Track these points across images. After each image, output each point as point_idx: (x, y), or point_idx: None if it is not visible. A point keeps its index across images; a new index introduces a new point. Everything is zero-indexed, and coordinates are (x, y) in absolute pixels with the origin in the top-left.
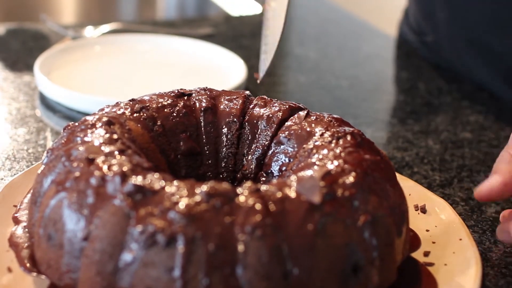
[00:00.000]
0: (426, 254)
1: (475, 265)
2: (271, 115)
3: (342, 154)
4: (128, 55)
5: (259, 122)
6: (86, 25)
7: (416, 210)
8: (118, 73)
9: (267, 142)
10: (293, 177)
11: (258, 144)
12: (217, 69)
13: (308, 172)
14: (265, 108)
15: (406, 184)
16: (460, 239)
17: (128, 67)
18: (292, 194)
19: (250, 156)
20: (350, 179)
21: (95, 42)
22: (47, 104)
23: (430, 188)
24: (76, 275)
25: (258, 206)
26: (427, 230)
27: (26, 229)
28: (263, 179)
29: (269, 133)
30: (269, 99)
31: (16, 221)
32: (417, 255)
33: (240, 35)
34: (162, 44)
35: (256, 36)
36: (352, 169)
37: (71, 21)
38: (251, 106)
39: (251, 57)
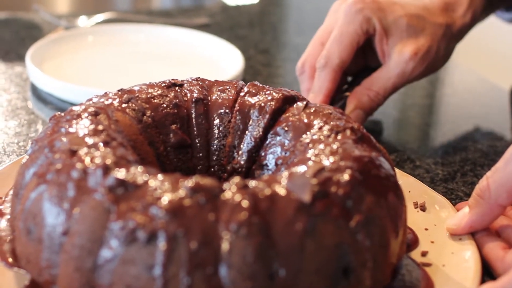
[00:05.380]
0: (424, 254)
1: (474, 266)
2: (263, 104)
3: (339, 150)
4: (123, 46)
5: (250, 112)
6: (79, 15)
7: (415, 208)
8: (112, 64)
9: (259, 134)
10: (285, 173)
11: (250, 135)
12: (213, 60)
13: (301, 168)
14: (257, 96)
15: (406, 180)
16: (460, 239)
17: (122, 57)
18: (281, 191)
19: (241, 149)
20: (345, 176)
21: (88, 32)
22: (39, 95)
23: (433, 182)
24: (55, 271)
25: (244, 203)
26: (426, 229)
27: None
28: (258, 171)
29: (261, 123)
30: (261, 85)
31: (0, 213)
32: (415, 255)
33: (236, 25)
34: (157, 34)
35: (252, 26)
36: (348, 166)
37: (64, 10)
38: (241, 94)
39: (247, 48)
